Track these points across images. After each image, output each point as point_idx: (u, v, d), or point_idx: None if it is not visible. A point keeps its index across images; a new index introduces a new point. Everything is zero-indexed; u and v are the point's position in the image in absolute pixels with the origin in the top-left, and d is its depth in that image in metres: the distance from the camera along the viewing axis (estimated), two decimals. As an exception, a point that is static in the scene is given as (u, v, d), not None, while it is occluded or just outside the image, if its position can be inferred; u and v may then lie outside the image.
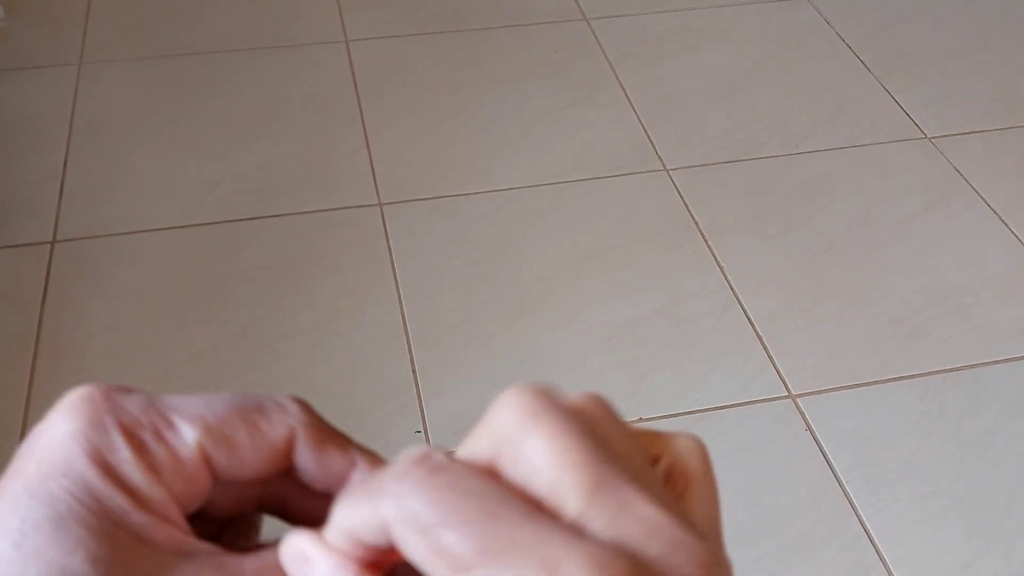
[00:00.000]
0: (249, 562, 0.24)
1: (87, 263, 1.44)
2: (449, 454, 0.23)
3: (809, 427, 1.26)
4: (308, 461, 0.28)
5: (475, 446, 0.23)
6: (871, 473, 1.21)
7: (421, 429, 1.23)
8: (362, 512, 0.23)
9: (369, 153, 1.64)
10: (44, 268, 1.42)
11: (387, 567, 0.24)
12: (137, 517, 0.24)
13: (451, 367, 1.31)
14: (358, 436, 0.30)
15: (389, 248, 1.48)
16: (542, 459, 0.22)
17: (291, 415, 0.28)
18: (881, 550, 1.14)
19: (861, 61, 1.88)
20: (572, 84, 1.80)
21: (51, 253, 1.45)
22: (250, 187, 1.57)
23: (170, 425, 0.25)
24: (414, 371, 1.30)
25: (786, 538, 1.15)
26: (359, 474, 0.28)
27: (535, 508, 0.21)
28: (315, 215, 1.53)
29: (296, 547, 0.25)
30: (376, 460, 0.28)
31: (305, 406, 0.28)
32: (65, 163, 1.60)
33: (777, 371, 1.32)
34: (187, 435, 0.25)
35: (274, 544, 0.25)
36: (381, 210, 1.54)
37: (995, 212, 1.57)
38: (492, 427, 0.23)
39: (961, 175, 1.63)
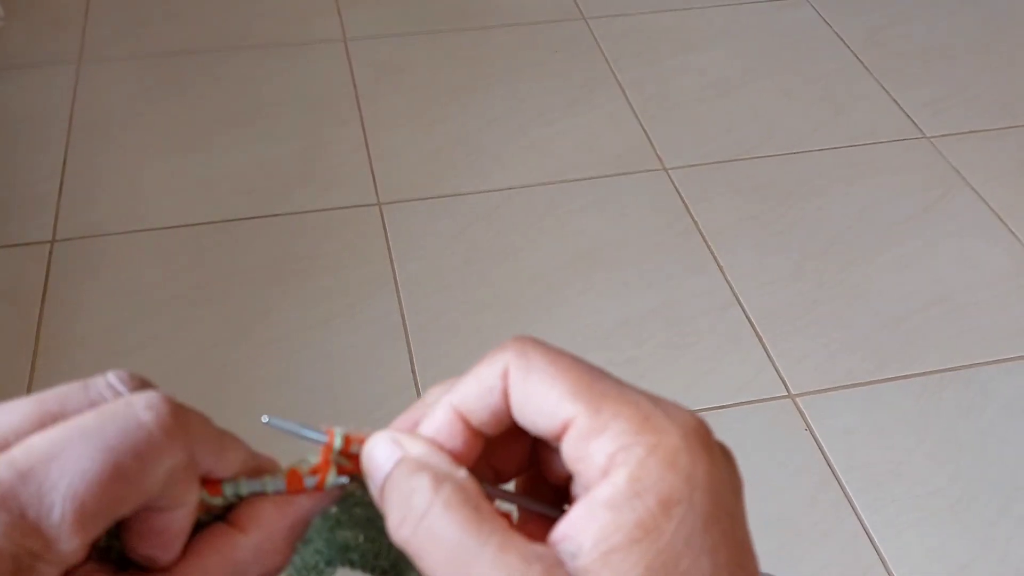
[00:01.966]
0: None
1: (87, 263, 1.44)
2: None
3: (809, 427, 1.26)
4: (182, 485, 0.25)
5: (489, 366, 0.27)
6: (870, 473, 1.21)
7: (420, 429, 1.23)
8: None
9: (368, 153, 1.64)
10: (44, 268, 1.42)
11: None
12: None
13: (451, 367, 1.31)
14: (359, 436, 0.30)
15: (388, 248, 1.48)
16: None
17: (110, 388, 0.25)
18: (880, 549, 1.14)
19: (860, 61, 1.88)
20: (571, 84, 1.80)
21: (51, 253, 1.45)
22: (249, 187, 1.57)
23: (47, 544, 0.22)
24: (414, 371, 1.30)
25: (786, 538, 1.15)
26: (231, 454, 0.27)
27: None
28: (314, 215, 1.53)
29: (385, 437, 0.27)
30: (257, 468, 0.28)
31: (138, 381, 0.26)
32: (65, 163, 1.60)
33: (777, 371, 1.32)
34: (66, 547, 0.22)
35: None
36: (380, 210, 1.54)
37: (995, 212, 1.57)
38: (497, 356, 0.27)
39: (961, 175, 1.63)
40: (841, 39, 1.93)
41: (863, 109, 1.77)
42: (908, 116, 1.75)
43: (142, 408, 0.24)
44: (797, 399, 1.29)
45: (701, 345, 1.35)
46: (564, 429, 0.25)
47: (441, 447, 0.27)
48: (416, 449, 0.27)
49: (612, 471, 0.24)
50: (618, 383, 0.26)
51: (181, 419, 0.25)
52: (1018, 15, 2.01)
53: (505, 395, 0.26)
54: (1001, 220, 1.55)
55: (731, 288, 1.43)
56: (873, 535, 1.15)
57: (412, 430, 0.28)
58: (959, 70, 1.86)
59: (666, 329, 1.37)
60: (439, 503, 0.25)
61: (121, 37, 1.88)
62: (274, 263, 1.45)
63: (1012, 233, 1.53)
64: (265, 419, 0.28)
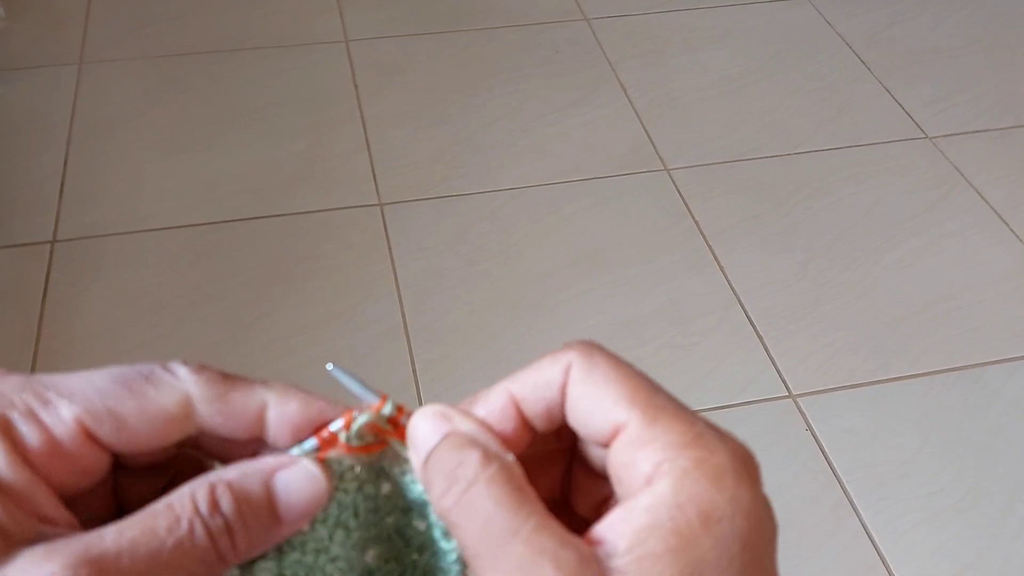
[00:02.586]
0: (112, 535, 0.23)
1: (87, 263, 1.44)
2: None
3: (809, 427, 1.26)
4: (214, 417, 0.27)
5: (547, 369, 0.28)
6: (871, 473, 1.21)
7: (421, 429, 1.23)
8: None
9: (369, 153, 1.64)
10: (44, 268, 1.42)
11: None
12: None
13: (451, 367, 1.31)
14: (358, 436, 0.29)
15: (389, 248, 1.47)
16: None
17: (181, 378, 0.28)
18: (881, 550, 1.14)
19: (861, 61, 1.88)
20: (572, 84, 1.80)
21: (51, 253, 1.45)
22: (250, 187, 1.57)
23: (46, 403, 0.25)
24: (414, 371, 1.30)
25: (786, 538, 1.14)
26: (273, 411, 0.28)
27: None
28: (315, 215, 1.53)
29: (434, 409, 0.27)
30: (287, 389, 0.28)
31: (200, 367, 0.28)
32: (65, 163, 1.60)
33: (777, 371, 1.32)
34: (64, 412, 0.25)
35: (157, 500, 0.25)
36: (381, 210, 1.54)
37: (996, 211, 1.56)
38: (558, 357, 0.27)
39: (961, 175, 1.63)
40: (843, 39, 1.93)
41: (865, 109, 1.77)
42: (910, 116, 1.75)
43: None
44: (798, 399, 1.29)
45: (703, 345, 1.35)
46: (615, 433, 0.25)
47: (491, 429, 0.27)
48: (466, 426, 0.27)
49: (656, 480, 0.24)
50: (677, 401, 0.26)
51: (194, 367, 0.28)
52: (1019, 15, 2.01)
53: (562, 391, 0.27)
54: (1003, 219, 1.55)
55: (732, 288, 1.43)
56: (875, 536, 1.15)
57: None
58: (961, 70, 1.86)
59: (668, 329, 1.37)
60: (484, 477, 0.25)
61: (122, 38, 1.88)
62: (275, 263, 1.45)
63: (1014, 232, 1.53)
64: (329, 367, 0.29)
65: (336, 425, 0.28)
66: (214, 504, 0.24)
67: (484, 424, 0.27)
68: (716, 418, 1.29)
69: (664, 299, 1.41)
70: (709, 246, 1.49)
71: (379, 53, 1.86)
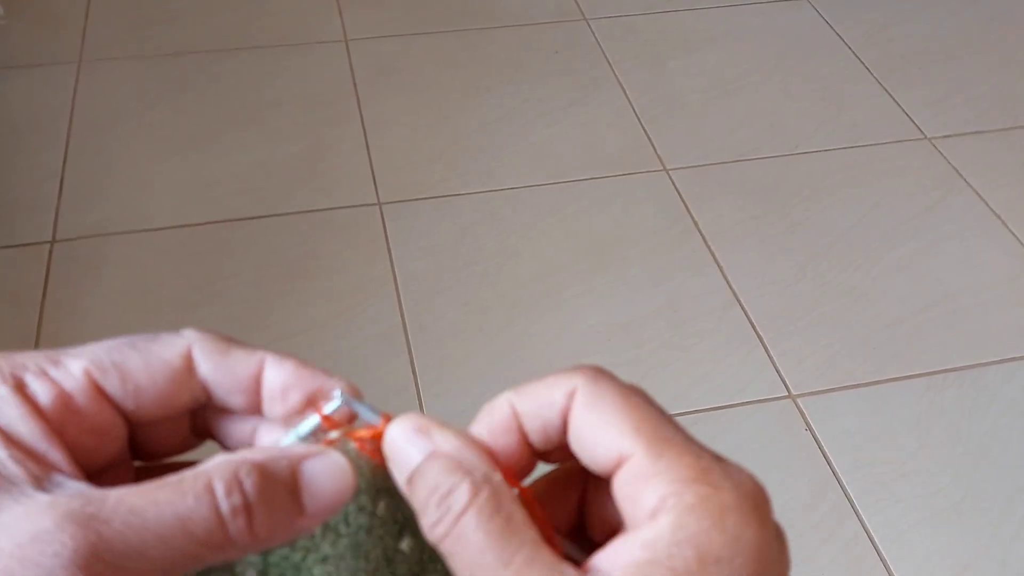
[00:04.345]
0: (114, 498, 0.23)
1: (87, 263, 1.44)
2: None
3: (809, 427, 1.26)
4: (213, 370, 0.28)
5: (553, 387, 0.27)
6: (871, 473, 1.21)
7: (421, 429, 1.23)
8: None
9: (368, 153, 1.64)
10: (44, 268, 1.42)
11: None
12: None
13: (451, 367, 1.31)
14: (358, 436, 0.29)
15: (389, 248, 1.47)
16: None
17: (185, 336, 0.28)
18: (881, 550, 1.14)
19: (861, 61, 1.88)
20: (572, 84, 1.80)
21: (51, 253, 1.45)
22: (249, 187, 1.57)
23: (56, 363, 0.26)
24: (414, 371, 1.30)
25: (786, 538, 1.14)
26: (269, 370, 0.28)
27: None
28: (314, 214, 1.53)
29: (410, 424, 0.27)
30: (287, 355, 0.29)
31: (206, 329, 0.28)
32: (65, 162, 1.60)
33: (777, 371, 1.32)
34: (73, 367, 0.26)
35: (168, 469, 0.25)
36: (381, 210, 1.54)
37: (995, 212, 1.57)
38: (564, 378, 0.27)
39: (961, 175, 1.63)
40: (842, 39, 1.93)
41: (864, 110, 1.77)
42: (909, 117, 1.75)
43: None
44: (798, 399, 1.29)
45: (702, 346, 1.35)
46: (619, 464, 0.25)
47: (476, 442, 0.27)
48: (448, 444, 0.26)
49: (659, 514, 0.24)
50: (684, 433, 0.26)
51: (199, 328, 0.28)
52: (1019, 15, 2.01)
53: (563, 415, 0.26)
54: (1002, 221, 1.55)
55: (732, 289, 1.43)
56: (874, 536, 1.15)
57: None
58: (960, 70, 1.86)
59: (667, 330, 1.37)
60: (475, 507, 0.25)
61: (122, 37, 1.88)
62: (274, 263, 1.45)
63: (1012, 234, 1.53)
64: (337, 394, 0.29)
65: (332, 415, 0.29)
66: (235, 482, 0.24)
67: (467, 438, 0.27)
68: (715, 418, 1.30)
69: (663, 299, 1.41)
70: (708, 246, 1.49)
71: (379, 53, 1.86)
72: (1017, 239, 1.52)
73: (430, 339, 1.34)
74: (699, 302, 1.41)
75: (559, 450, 0.28)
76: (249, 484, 0.24)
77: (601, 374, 0.26)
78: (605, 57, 1.87)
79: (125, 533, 0.22)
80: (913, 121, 1.74)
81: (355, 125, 1.69)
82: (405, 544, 0.28)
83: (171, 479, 0.24)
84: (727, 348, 1.35)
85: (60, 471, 0.24)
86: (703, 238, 1.51)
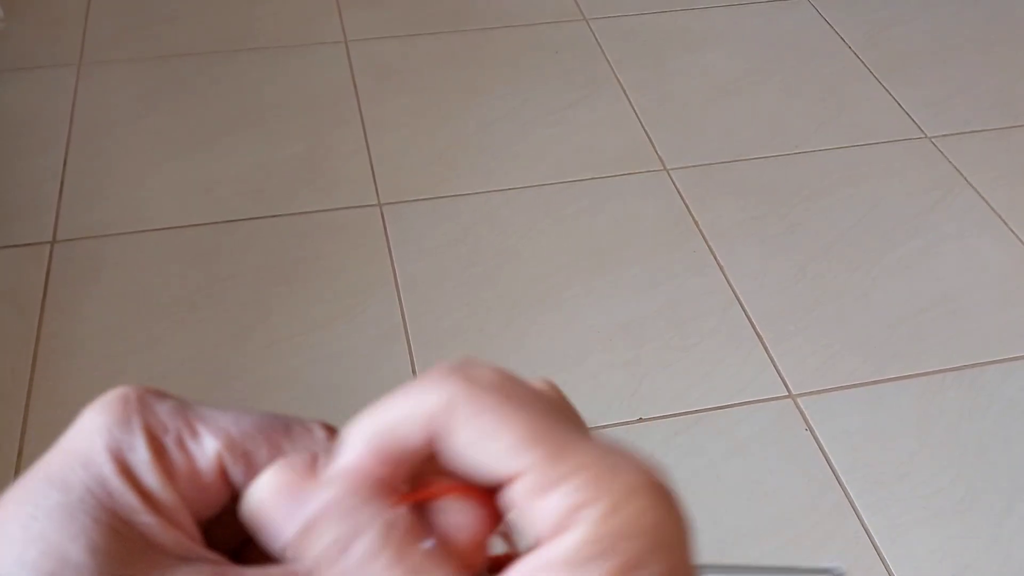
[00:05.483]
0: (252, 572, 0.24)
1: (87, 263, 1.44)
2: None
3: (809, 427, 1.26)
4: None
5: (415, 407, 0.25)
6: (871, 473, 1.21)
7: (421, 429, 1.23)
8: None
9: (369, 153, 1.64)
10: (44, 268, 1.42)
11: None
12: (145, 517, 0.24)
13: (451, 367, 1.31)
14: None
15: (389, 248, 1.47)
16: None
17: (316, 442, 0.27)
18: (881, 550, 1.14)
19: (861, 61, 1.88)
20: (572, 84, 1.80)
21: (51, 253, 1.45)
22: (250, 187, 1.57)
23: (194, 434, 0.26)
24: (414, 371, 1.30)
25: (786, 538, 1.15)
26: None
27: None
28: (315, 215, 1.53)
29: (274, 481, 0.24)
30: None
31: (332, 432, 0.28)
32: (65, 163, 1.60)
33: (777, 371, 1.32)
34: (208, 446, 0.26)
35: (281, 562, 0.25)
36: (381, 210, 1.54)
37: (995, 212, 1.57)
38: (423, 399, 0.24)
39: (961, 175, 1.63)
40: (842, 39, 1.93)
41: (864, 109, 1.77)
42: (909, 116, 1.75)
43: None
44: (798, 399, 1.29)
45: (702, 346, 1.35)
46: (512, 478, 0.23)
47: (358, 478, 0.24)
48: (318, 498, 0.24)
49: (570, 528, 0.22)
50: (577, 429, 0.24)
51: (328, 432, 0.27)
52: (1018, 15, 2.01)
53: (426, 433, 0.24)
54: (1002, 220, 1.55)
55: (732, 288, 1.43)
56: (874, 536, 1.15)
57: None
58: (960, 70, 1.86)
59: (667, 330, 1.37)
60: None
61: (122, 39, 1.88)
62: (275, 264, 1.45)
63: (1013, 233, 1.53)
64: None
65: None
66: None
67: (346, 478, 0.24)
68: (715, 418, 1.29)
69: (664, 299, 1.41)
70: (709, 246, 1.49)
71: (379, 53, 1.87)
72: (1018, 238, 1.52)
73: (430, 339, 1.34)
74: (699, 302, 1.41)
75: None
76: None
77: (475, 377, 0.24)
78: (605, 57, 1.87)
79: None
80: (913, 121, 1.74)
81: (355, 126, 1.69)
82: None
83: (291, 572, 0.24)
84: (727, 348, 1.35)
85: (198, 543, 0.25)
86: (703, 238, 1.51)
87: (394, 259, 1.46)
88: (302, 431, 0.27)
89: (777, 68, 1.86)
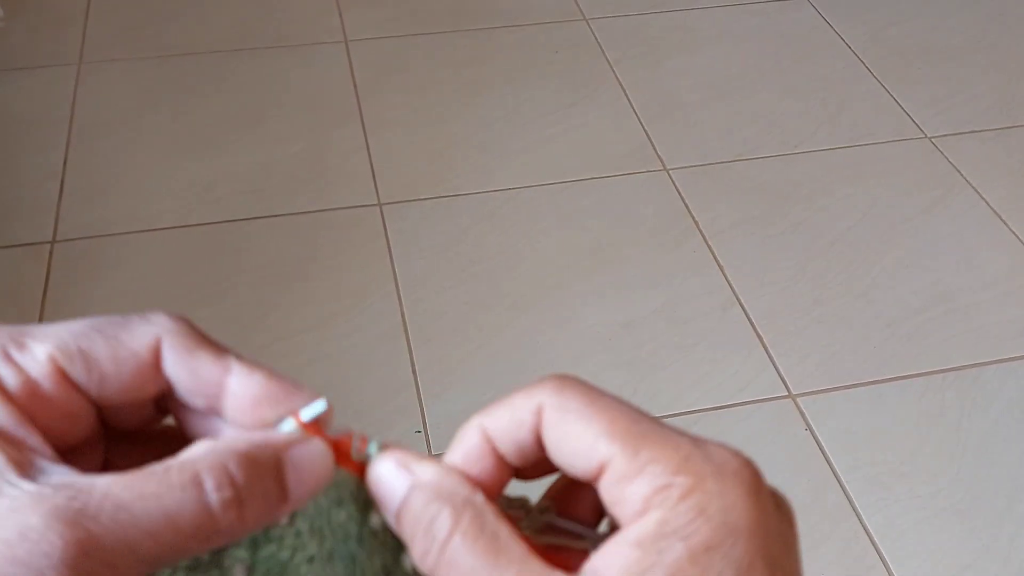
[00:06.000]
0: (99, 493, 0.22)
1: (87, 263, 1.44)
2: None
3: (809, 427, 1.26)
4: (178, 368, 0.27)
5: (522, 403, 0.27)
6: (871, 473, 1.21)
7: (421, 429, 1.23)
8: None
9: (369, 153, 1.64)
10: (44, 268, 1.42)
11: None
12: None
13: (451, 367, 1.31)
14: (358, 437, 0.29)
15: (389, 248, 1.47)
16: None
17: (156, 325, 0.28)
18: (881, 550, 1.14)
19: (861, 61, 1.88)
20: (572, 84, 1.80)
21: (51, 253, 1.45)
22: (249, 187, 1.57)
23: (21, 346, 0.25)
24: (414, 371, 1.30)
25: (786, 538, 1.14)
26: (236, 379, 0.27)
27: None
28: (314, 215, 1.53)
29: (391, 461, 0.27)
30: (256, 366, 0.28)
31: (179, 318, 0.28)
32: (65, 163, 1.60)
33: (777, 371, 1.32)
34: (38, 351, 0.25)
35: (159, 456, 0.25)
36: (381, 210, 1.54)
37: (995, 212, 1.57)
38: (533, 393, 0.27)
39: (961, 175, 1.63)
40: (842, 39, 1.93)
41: (864, 109, 1.77)
42: (909, 116, 1.75)
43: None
44: (798, 399, 1.29)
45: (702, 345, 1.35)
46: (601, 471, 0.25)
47: (455, 470, 0.27)
48: (427, 474, 0.27)
49: (647, 513, 0.24)
50: (659, 424, 0.26)
51: (173, 316, 0.28)
52: (1018, 15, 2.01)
53: (534, 431, 0.26)
54: (1002, 220, 1.55)
55: (732, 288, 1.43)
56: (874, 536, 1.15)
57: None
58: (960, 70, 1.86)
59: (667, 330, 1.37)
60: (459, 531, 0.25)
61: (122, 38, 1.88)
62: (275, 264, 1.45)
63: (1013, 233, 1.53)
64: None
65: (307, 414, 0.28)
66: (225, 476, 0.23)
67: (445, 466, 0.27)
68: (715, 418, 1.30)
69: (663, 299, 1.41)
70: (708, 246, 1.49)
71: (378, 53, 1.87)
72: (1017, 238, 1.52)
73: (430, 339, 1.34)
74: (699, 302, 1.41)
75: (538, 465, 0.28)
76: (240, 477, 0.24)
77: (566, 383, 0.26)
78: (605, 57, 1.87)
79: (113, 530, 0.22)
80: (913, 120, 1.74)
81: (355, 125, 1.69)
82: (408, 562, 0.28)
83: (156, 469, 0.23)
84: (727, 348, 1.35)
85: (40, 455, 0.24)
86: (703, 237, 1.51)
87: (394, 259, 1.46)
88: (140, 320, 0.28)
89: (776, 67, 1.86)
